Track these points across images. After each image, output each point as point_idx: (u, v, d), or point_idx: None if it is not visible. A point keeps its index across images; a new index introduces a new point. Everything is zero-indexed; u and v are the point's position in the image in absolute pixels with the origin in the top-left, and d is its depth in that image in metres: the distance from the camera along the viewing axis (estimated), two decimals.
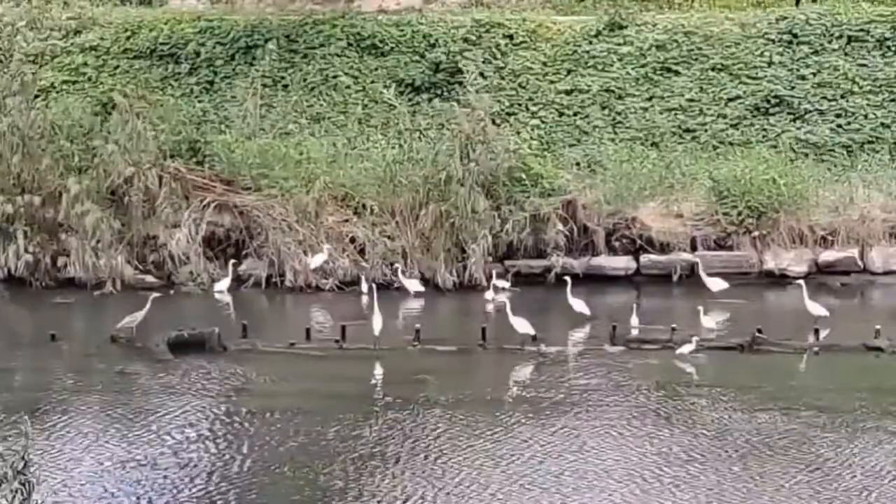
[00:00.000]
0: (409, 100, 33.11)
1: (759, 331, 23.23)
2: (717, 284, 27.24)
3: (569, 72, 33.91)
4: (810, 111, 32.76)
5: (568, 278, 26.69)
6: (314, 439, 17.98)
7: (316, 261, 28.65)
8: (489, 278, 27.94)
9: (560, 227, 29.28)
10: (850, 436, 17.89)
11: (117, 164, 29.49)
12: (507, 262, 29.33)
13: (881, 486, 15.95)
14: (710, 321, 23.94)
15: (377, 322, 23.65)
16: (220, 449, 17.49)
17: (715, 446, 17.46)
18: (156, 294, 24.94)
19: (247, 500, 15.51)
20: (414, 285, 28.14)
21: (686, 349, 22.64)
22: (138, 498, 15.63)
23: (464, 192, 28.89)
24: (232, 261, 29.13)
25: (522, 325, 23.49)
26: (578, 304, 25.55)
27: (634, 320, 24.71)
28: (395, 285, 28.23)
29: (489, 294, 27.40)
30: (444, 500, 15.47)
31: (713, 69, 33.56)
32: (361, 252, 29.25)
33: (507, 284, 27.70)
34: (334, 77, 33.94)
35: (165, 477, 16.38)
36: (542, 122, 33.05)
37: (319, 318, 26.49)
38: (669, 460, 16.82)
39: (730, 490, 15.77)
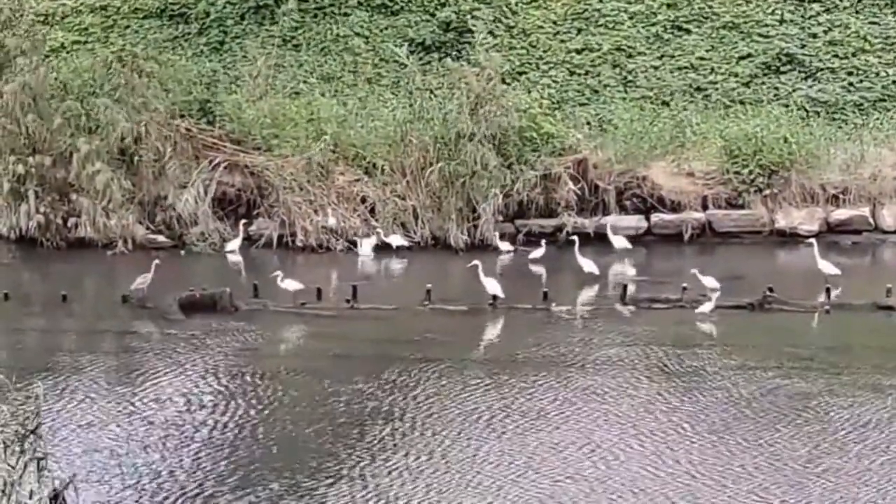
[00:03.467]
0: (420, 59, 33.02)
1: (770, 289, 23.14)
2: (620, 242, 28.02)
3: (579, 31, 33.82)
4: (822, 69, 32.63)
5: (575, 238, 26.71)
6: (317, 398, 17.96)
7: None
8: (515, 236, 28.53)
9: (571, 186, 29.26)
10: (859, 394, 17.86)
11: (127, 124, 29.53)
12: (518, 222, 29.34)
13: (885, 442, 15.91)
14: (711, 280, 23.85)
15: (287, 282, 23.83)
16: (221, 407, 17.48)
17: (720, 404, 17.43)
18: (157, 262, 24.48)
19: (238, 456, 15.52)
20: (369, 243, 28.51)
21: (706, 308, 22.56)
22: (126, 453, 15.61)
23: (473, 150, 28.85)
24: (243, 221, 29.17)
25: (492, 286, 23.51)
26: (587, 264, 25.55)
27: (628, 272, 25.44)
28: (394, 245, 28.41)
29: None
30: (442, 458, 15.44)
31: (724, 27, 33.45)
32: (372, 211, 29.28)
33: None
34: (345, 37, 33.84)
35: (160, 433, 16.39)
36: (553, 81, 32.94)
37: (330, 278, 26.51)
38: (674, 419, 16.79)
39: (725, 448, 15.72)
